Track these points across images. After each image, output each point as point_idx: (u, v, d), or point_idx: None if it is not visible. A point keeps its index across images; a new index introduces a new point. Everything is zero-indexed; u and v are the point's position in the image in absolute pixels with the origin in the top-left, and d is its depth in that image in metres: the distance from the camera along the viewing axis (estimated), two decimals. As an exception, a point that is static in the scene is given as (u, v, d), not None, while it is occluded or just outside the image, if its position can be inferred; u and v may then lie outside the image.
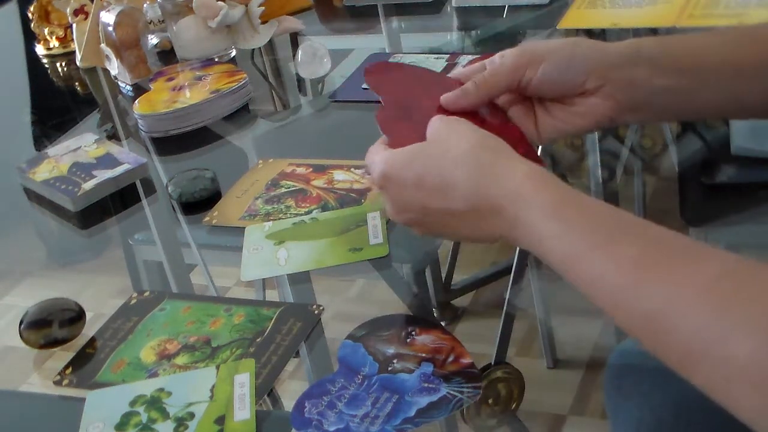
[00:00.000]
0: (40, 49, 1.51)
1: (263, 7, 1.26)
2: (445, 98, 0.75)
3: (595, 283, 0.54)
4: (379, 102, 0.76)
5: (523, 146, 0.74)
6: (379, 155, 0.69)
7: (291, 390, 0.72)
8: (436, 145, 0.66)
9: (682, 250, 0.52)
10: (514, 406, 0.75)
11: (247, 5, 1.26)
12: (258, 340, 0.75)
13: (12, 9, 1.72)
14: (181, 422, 0.67)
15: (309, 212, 0.90)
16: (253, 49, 1.34)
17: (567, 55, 0.73)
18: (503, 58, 0.75)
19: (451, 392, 0.66)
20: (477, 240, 0.66)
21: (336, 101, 1.16)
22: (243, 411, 0.67)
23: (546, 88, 0.74)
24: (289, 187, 0.96)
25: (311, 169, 0.98)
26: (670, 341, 0.50)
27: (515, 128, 0.75)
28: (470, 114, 0.75)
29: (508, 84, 0.74)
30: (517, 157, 0.63)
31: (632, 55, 0.73)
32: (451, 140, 0.65)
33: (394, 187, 0.67)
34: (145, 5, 1.33)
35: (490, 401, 0.73)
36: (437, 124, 0.68)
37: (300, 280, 0.84)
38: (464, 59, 1.15)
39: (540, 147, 0.94)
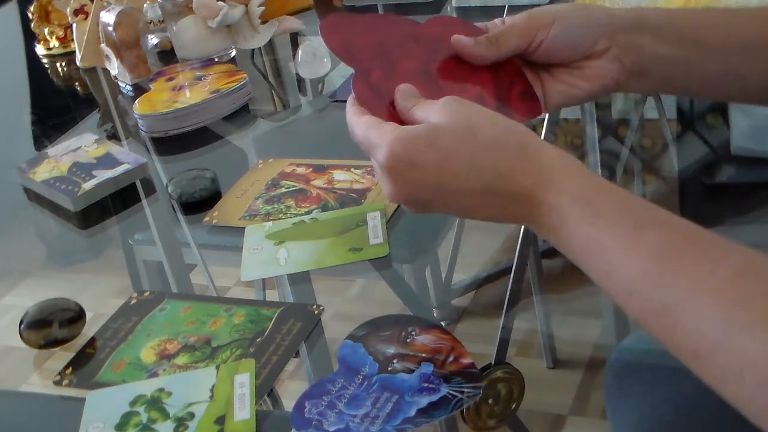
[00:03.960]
0: (40, 49, 1.51)
1: (263, 7, 1.26)
2: (458, 39, 0.73)
3: (614, 270, 0.54)
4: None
5: (522, 83, 0.74)
6: (386, 133, 0.63)
7: (291, 390, 0.72)
8: (462, 125, 0.62)
9: (705, 244, 0.52)
10: (514, 406, 0.75)
11: (247, 5, 1.26)
12: (258, 340, 0.75)
13: (12, 9, 1.72)
14: (181, 422, 0.67)
15: (309, 212, 0.90)
16: (253, 49, 1.34)
17: (578, 17, 0.73)
18: (512, 20, 0.74)
19: (451, 392, 0.66)
20: (492, 221, 0.64)
21: (336, 101, 1.16)
22: (243, 411, 0.67)
23: (556, 50, 0.73)
24: (289, 187, 0.96)
25: (311, 169, 0.98)
26: (683, 334, 0.49)
27: (515, 65, 0.75)
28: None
29: (517, 45, 0.73)
30: (543, 142, 0.62)
31: (639, 21, 0.73)
32: (476, 122, 0.63)
33: (408, 167, 0.62)
34: (145, 5, 1.33)
35: (490, 401, 0.73)
36: (454, 104, 0.65)
37: (300, 280, 0.84)
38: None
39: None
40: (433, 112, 0.64)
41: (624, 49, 0.72)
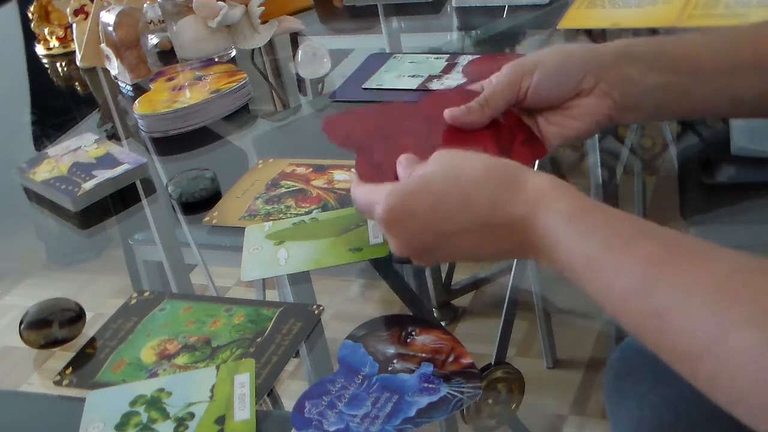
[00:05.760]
0: (40, 49, 1.51)
1: (263, 7, 1.27)
2: (451, 113, 0.76)
3: (609, 285, 0.54)
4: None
5: (522, 131, 0.76)
6: (380, 192, 0.66)
7: (291, 390, 0.72)
8: (448, 169, 0.64)
9: (694, 250, 0.52)
10: (514, 406, 0.75)
11: (247, 5, 1.26)
12: (258, 340, 0.75)
13: (12, 9, 1.72)
14: (181, 422, 0.67)
15: (309, 212, 0.90)
16: (253, 49, 1.34)
17: (558, 59, 0.75)
18: (498, 76, 0.76)
19: (451, 392, 0.66)
20: (495, 258, 0.66)
21: (336, 101, 1.16)
22: (243, 411, 0.67)
23: (543, 94, 0.75)
24: (289, 187, 0.96)
25: (311, 169, 0.98)
26: (675, 337, 0.50)
27: (514, 115, 0.77)
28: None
29: (507, 100, 0.76)
30: (532, 170, 0.63)
31: (623, 53, 0.74)
32: (462, 164, 0.64)
33: (405, 217, 0.64)
34: (145, 5, 1.33)
35: (490, 401, 0.73)
36: (440, 155, 0.67)
37: (300, 280, 0.84)
38: (464, 59, 1.15)
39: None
40: (426, 167, 0.66)
41: (613, 83, 0.73)
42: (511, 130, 0.76)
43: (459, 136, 0.76)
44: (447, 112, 0.76)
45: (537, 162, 1.01)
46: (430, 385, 0.67)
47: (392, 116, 0.79)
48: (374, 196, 0.67)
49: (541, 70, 0.74)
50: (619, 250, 0.54)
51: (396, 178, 0.70)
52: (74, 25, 1.35)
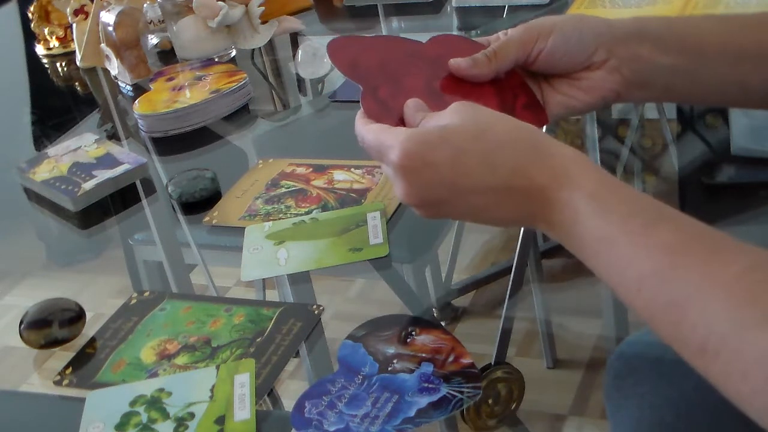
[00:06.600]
0: (40, 49, 1.51)
1: (263, 7, 1.26)
2: (456, 63, 0.74)
3: (624, 267, 0.53)
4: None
5: (525, 94, 0.75)
6: (394, 136, 0.64)
7: (291, 390, 0.72)
8: (471, 125, 0.63)
9: (716, 242, 0.52)
10: (514, 406, 0.75)
11: (247, 5, 1.26)
12: (258, 340, 0.75)
13: (12, 9, 1.72)
14: (181, 422, 0.67)
15: (309, 212, 0.90)
16: (253, 49, 1.34)
17: (575, 27, 0.73)
18: (510, 32, 0.74)
19: (451, 392, 0.66)
20: (502, 223, 0.64)
21: (336, 101, 1.16)
22: (243, 411, 0.67)
23: (555, 60, 0.73)
24: (289, 187, 0.96)
25: (311, 169, 0.98)
26: (690, 329, 0.49)
27: (519, 77, 0.76)
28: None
29: (516, 57, 0.74)
30: (555, 140, 0.62)
31: (637, 31, 0.73)
32: (486, 121, 0.63)
33: (422, 165, 0.62)
34: (145, 5, 1.33)
35: (490, 401, 0.73)
36: (463, 108, 0.65)
37: (300, 280, 0.84)
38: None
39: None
40: (443, 117, 0.65)
41: (623, 59, 0.73)
42: (514, 92, 0.75)
43: (461, 87, 0.74)
44: (452, 62, 0.74)
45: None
46: (430, 385, 0.67)
47: (397, 52, 0.76)
48: (387, 138, 0.64)
49: (558, 35, 0.73)
50: (638, 234, 0.54)
51: (402, 120, 0.69)
52: (74, 25, 1.35)
